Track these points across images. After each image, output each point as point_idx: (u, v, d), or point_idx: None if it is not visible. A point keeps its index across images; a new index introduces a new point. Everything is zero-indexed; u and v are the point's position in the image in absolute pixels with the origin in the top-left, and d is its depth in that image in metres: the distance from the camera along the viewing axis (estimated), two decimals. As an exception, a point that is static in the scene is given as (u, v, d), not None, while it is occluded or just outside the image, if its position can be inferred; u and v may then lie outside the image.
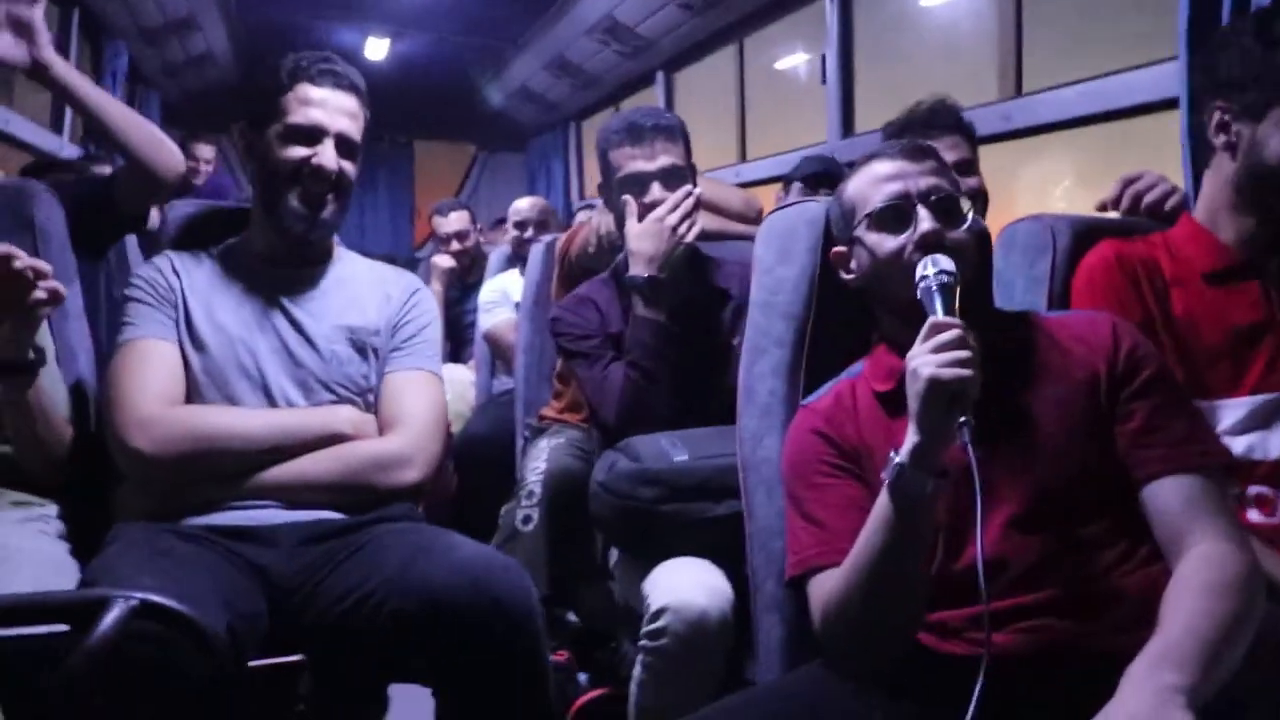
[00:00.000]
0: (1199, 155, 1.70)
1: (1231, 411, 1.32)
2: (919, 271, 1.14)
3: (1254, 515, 1.30)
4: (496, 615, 1.28)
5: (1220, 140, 1.39)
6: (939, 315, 1.09)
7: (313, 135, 1.56)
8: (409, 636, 1.31)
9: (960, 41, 3.20)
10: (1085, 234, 1.50)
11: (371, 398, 1.62)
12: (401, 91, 5.66)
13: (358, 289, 1.67)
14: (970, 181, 1.93)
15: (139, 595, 0.98)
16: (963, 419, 1.02)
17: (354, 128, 1.60)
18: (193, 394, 1.52)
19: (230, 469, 1.46)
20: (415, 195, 7.46)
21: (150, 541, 1.36)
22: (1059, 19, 2.82)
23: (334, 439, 1.52)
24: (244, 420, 1.49)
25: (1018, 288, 1.52)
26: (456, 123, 7.10)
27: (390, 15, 5.11)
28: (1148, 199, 1.62)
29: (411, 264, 6.32)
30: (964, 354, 1.03)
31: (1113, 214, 1.66)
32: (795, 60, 4.20)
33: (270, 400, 1.54)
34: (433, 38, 5.53)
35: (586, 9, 4.47)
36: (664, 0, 3.98)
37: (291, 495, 1.47)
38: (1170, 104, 1.87)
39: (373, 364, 1.63)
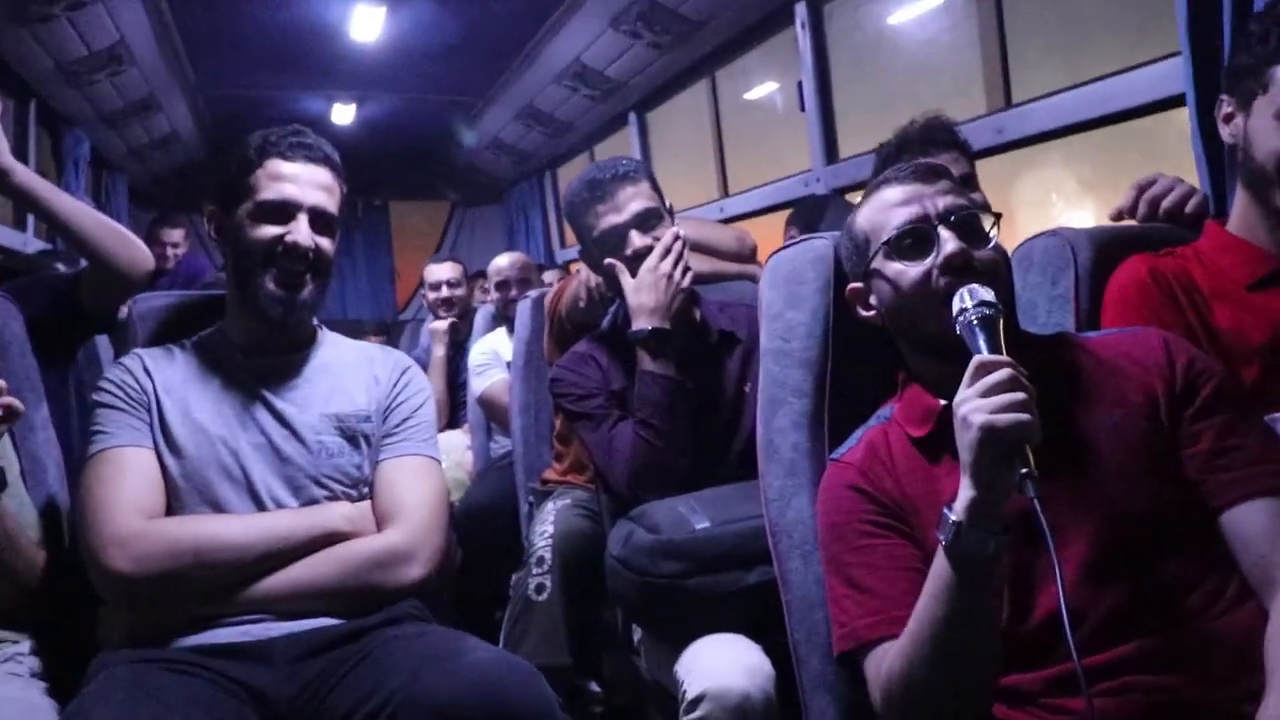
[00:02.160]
0: (1213, 153, 1.63)
1: (1294, 425, 1.22)
2: (956, 304, 1.04)
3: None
4: None
5: (1226, 133, 1.33)
6: (984, 353, 0.99)
7: (285, 211, 1.47)
8: None
9: (942, 56, 3.13)
10: (1107, 246, 1.41)
11: (366, 489, 1.51)
12: (372, 154, 5.62)
13: (343, 373, 1.57)
14: (974, 198, 1.85)
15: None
16: (1024, 470, 0.92)
17: (329, 201, 1.51)
18: (173, 503, 1.41)
19: (219, 583, 1.34)
20: (394, 256, 7.40)
21: (133, 678, 1.23)
22: (1040, 27, 2.75)
23: (329, 539, 1.40)
24: (231, 529, 1.37)
25: (1040, 309, 1.43)
26: (430, 180, 7.07)
27: (354, 79, 5.03)
28: (1166, 203, 1.55)
29: (396, 327, 6.24)
30: (1019, 396, 0.93)
31: (1130, 222, 1.58)
32: (771, 88, 4.13)
33: (257, 503, 1.42)
34: (399, 98, 5.48)
35: (553, 55, 4.41)
36: (631, 40, 3.91)
37: (287, 605, 1.36)
38: (1175, 101, 1.78)
39: (365, 453, 1.51)
